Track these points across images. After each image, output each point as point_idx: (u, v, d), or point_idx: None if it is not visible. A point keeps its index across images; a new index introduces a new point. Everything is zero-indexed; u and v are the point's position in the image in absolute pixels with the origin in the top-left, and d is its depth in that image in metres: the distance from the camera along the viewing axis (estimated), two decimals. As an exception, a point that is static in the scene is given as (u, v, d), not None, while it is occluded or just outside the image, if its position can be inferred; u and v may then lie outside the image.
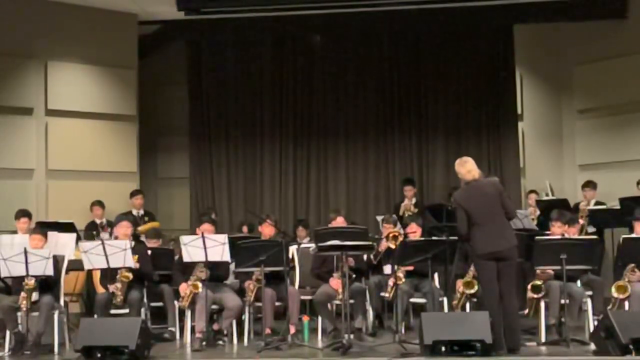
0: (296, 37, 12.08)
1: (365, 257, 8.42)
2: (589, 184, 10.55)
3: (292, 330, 7.92)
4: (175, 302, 8.31)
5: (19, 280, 7.56)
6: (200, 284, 7.80)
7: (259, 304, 7.94)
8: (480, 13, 11.31)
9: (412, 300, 8.27)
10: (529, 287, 7.70)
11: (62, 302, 7.91)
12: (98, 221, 10.41)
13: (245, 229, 10.39)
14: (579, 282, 7.96)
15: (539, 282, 7.69)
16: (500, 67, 11.84)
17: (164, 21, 11.67)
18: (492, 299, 7.02)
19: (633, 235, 8.06)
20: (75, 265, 8.29)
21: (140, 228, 10.06)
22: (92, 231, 10.16)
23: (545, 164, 11.90)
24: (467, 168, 7.20)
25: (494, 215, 7.04)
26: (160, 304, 8.50)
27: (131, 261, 7.69)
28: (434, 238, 8.34)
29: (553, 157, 11.97)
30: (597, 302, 7.98)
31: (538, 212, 10.50)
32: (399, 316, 7.89)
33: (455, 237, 8.02)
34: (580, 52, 11.56)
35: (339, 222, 8.62)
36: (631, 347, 6.62)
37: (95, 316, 7.82)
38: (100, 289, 8.23)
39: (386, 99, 12.02)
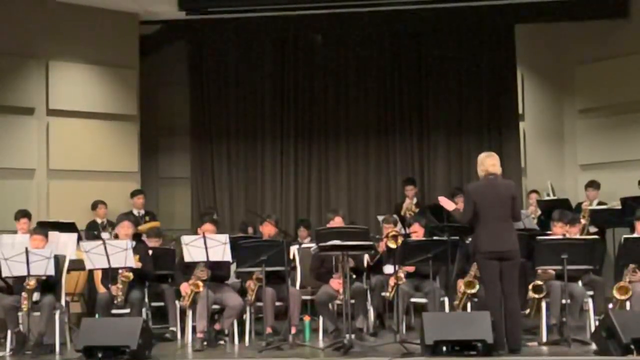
0: (297, 37, 12.07)
1: (366, 257, 8.41)
2: (592, 184, 10.54)
3: (293, 330, 7.91)
4: (177, 302, 8.30)
5: (20, 280, 7.57)
6: (201, 284, 7.80)
7: (260, 303, 7.94)
8: (482, 13, 11.32)
9: (413, 300, 8.27)
10: (530, 287, 7.69)
11: (63, 302, 7.90)
12: (99, 220, 10.41)
13: (250, 230, 10.33)
14: (580, 282, 7.95)
15: (540, 282, 7.68)
16: (501, 67, 11.84)
17: (166, 21, 11.67)
18: (494, 299, 7.01)
19: (634, 235, 8.03)
20: (77, 265, 8.30)
21: (141, 227, 10.05)
22: (92, 231, 10.16)
23: (547, 163, 11.90)
24: (488, 162, 7.16)
25: (501, 215, 7.02)
26: (161, 303, 8.50)
27: (132, 261, 7.68)
28: (435, 238, 8.33)
29: (554, 157, 11.97)
30: (599, 302, 7.97)
31: (539, 212, 10.50)
32: (400, 316, 7.88)
33: (457, 237, 8.03)
34: (581, 51, 11.55)
35: (337, 222, 8.60)
36: (632, 347, 6.61)
37: (97, 316, 7.82)
38: (101, 289, 8.22)
39: (387, 98, 12.01)
